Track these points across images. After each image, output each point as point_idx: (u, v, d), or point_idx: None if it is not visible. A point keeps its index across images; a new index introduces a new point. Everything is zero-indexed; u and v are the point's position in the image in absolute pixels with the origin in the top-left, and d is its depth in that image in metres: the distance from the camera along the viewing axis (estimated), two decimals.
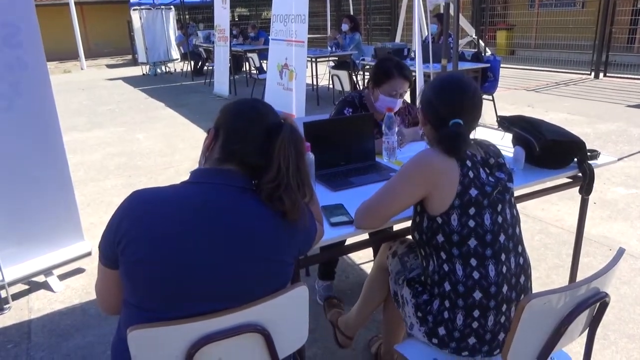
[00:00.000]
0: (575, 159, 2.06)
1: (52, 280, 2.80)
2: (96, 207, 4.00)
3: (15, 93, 2.48)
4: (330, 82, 7.76)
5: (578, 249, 2.36)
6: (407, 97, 2.70)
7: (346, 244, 1.75)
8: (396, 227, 1.77)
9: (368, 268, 2.88)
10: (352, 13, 11.16)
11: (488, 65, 5.89)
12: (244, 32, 11.37)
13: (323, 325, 2.29)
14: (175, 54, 13.57)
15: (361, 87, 7.30)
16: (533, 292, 1.36)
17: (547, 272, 2.76)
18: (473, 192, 1.38)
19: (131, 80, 12.10)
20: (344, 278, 2.81)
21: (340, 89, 7.23)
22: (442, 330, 1.43)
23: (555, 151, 2.00)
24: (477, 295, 1.38)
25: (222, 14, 8.97)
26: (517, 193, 1.68)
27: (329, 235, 1.49)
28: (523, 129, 2.07)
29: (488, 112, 5.64)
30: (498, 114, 3.67)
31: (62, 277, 2.90)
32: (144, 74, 13.10)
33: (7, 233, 2.59)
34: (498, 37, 13.02)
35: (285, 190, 1.11)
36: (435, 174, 1.40)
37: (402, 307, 1.60)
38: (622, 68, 9.56)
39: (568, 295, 1.16)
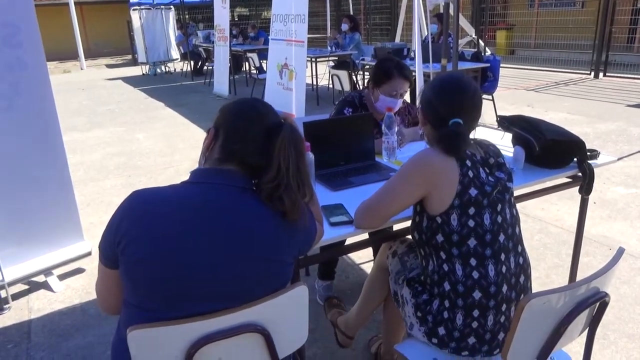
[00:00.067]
0: (575, 159, 2.06)
1: (52, 280, 2.81)
2: (96, 207, 4.00)
3: (15, 93, 2.48)
4: (330, 82, 7.76)
5: (578, 249, 2.36)
6: (407, 97, 2.70)
7: (346, 243, 1.75)
8: (396, 227, 1.77)
9: (368, 268, 2.88)
10: (351, 13, 11.17)
11: (488, 65, 5.88)
12: (244, 32, 11.37)
13: (323, 325, 2.29)
14: (175, 53, 13.57)
15: (361, 87, 7.31)
16: (533, 291, 1.36)
17: (546, 272, 2.76)
18: (473, 191, 1.38)
19: (131, 80, 12.10)
20: (344, 278, 2.81)
21: (340, 88, 7.23)
22: (441, 330, 1.43)
23: (555, 151, 2.00)
24: (477, 295, 1.38)
25: (222, 14, 8.97)
26: (516, 193, 1.68)
27: (328, 235, 1.50)
28: (523, 128, 2.07)
29: (488, 112, 5.64)
30: (498, 114, 3.67)
31: (62, 277, 2.90)
32: (143, 74, 13.11)
33: (7, 233, 2.59)
34: (498, 36, 13.02)
35: (285, 190, 1.11)
36: (434, 174, 1.40)
37: (402, 306, 1.60)
38: (622, 68, 9.56)
39: (568, 295, 1.16)
